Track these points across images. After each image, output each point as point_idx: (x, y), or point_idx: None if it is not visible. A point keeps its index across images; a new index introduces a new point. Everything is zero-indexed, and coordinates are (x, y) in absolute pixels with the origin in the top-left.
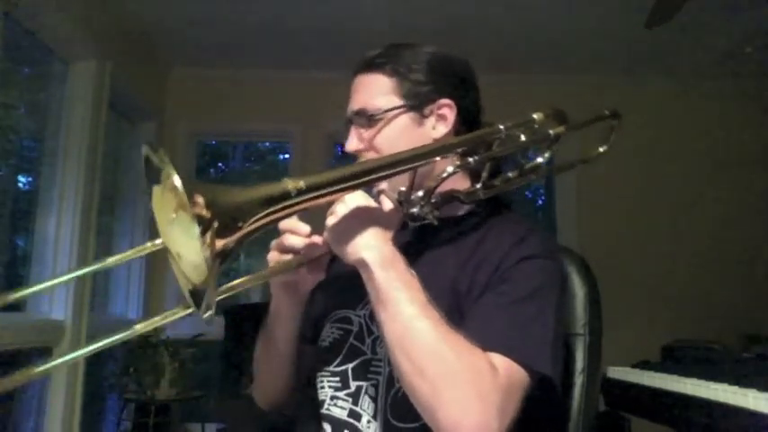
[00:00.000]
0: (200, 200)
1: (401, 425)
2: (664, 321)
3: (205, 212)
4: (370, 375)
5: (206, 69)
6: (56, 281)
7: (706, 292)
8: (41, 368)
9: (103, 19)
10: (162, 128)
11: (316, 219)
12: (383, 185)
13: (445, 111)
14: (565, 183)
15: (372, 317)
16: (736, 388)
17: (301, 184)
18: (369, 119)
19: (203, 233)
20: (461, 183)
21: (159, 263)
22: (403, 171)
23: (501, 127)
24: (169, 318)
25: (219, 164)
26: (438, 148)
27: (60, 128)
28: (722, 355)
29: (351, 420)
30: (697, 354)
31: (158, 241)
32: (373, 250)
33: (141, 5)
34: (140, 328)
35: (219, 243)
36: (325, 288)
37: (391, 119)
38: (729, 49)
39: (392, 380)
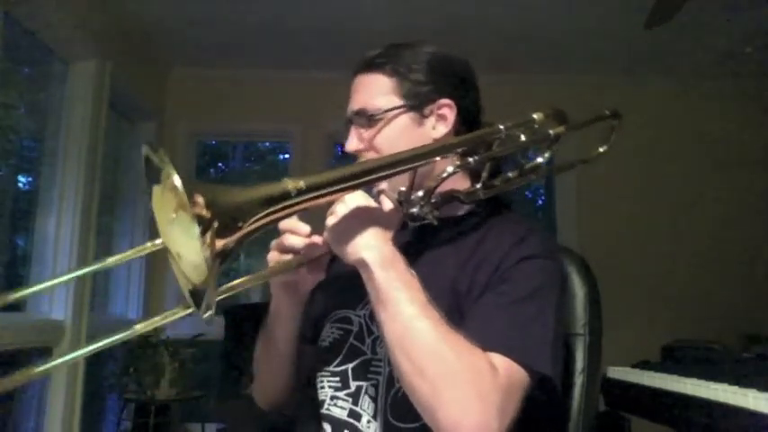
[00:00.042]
0: (200, 200)
1: (401, 425)
2: (664, 321)
3: (205, 212)
4: (370, 375)
5: (206, 69)
6: (56, 281)
7: (706, 292)
8: (41, 368)
9: (103, 19)
10: (162, 128)
11: (316, 219)
12: (383, 185)
13: (445, 111)
14: (565, 183)
15: (372, 317)
16: (736, 388)
17: (301, 184)
18: (369, 119)
19: (203, 233)
20: (461, 183)
21: (159, 263)
22: (403, 171)
23: (501, 127)
24: (169, 318)
25: (219, 164)
26: (438, 148)
27: (60, 128)
28: (722, 355)
29: (351, 420)
30: (697, 354)
31: (158, 241)
32: (373, 250)
33: (141, 5)
34: (140, 328)
35: (219, 243)
36: (326, 288)
37: (391, 119)
38: (729, 49)
39: (392, 380)
